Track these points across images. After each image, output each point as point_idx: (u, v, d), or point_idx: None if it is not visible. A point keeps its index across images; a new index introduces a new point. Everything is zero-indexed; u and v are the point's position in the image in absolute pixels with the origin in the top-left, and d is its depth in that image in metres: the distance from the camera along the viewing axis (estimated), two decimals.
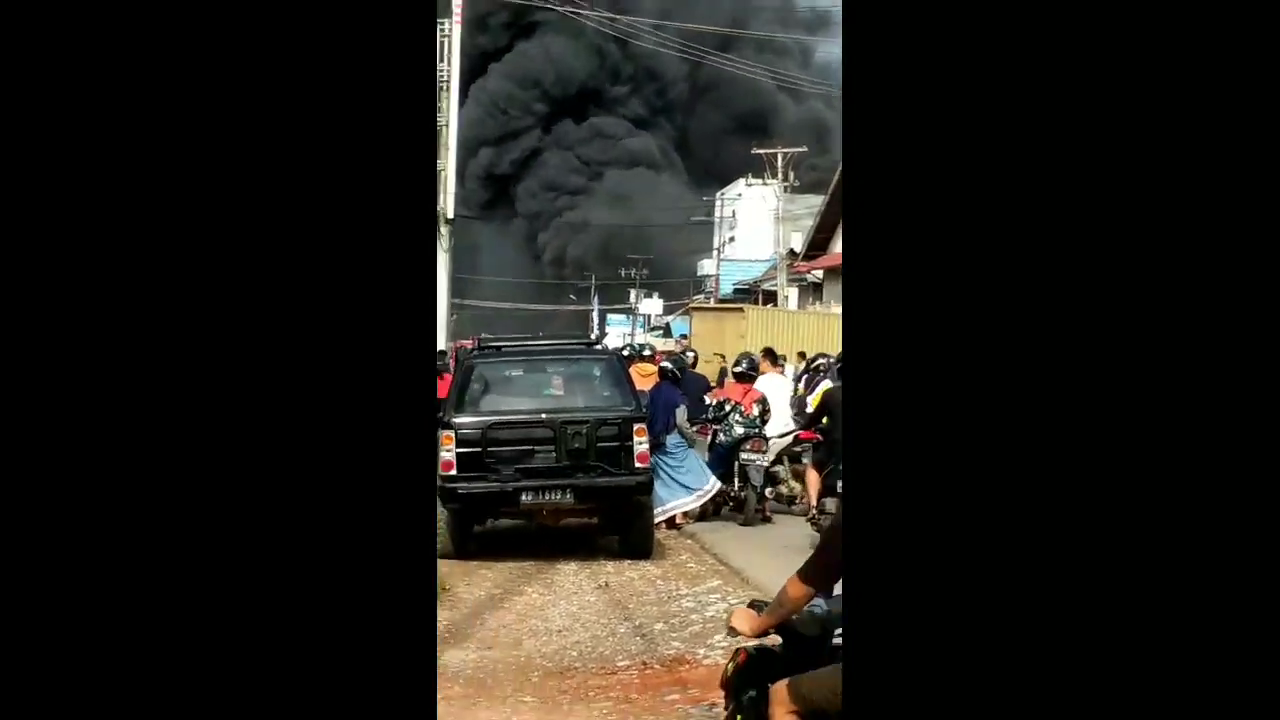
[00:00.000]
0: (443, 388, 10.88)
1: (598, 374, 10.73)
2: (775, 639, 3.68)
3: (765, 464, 11.39)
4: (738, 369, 12.24)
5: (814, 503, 9.83)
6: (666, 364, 12.77)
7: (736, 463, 11.33)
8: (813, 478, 10.01)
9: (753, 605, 3.75)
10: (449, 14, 24.74)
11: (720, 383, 16.38)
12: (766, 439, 11.51)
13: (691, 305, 35.70)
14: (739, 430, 11.34)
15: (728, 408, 11.51)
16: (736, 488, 11.37)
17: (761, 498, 11.36)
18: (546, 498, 9.78)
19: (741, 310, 29.21)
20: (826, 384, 11.84)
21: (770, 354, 13.68)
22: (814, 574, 3.41)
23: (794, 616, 3.54)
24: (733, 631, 3.68)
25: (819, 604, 3.54)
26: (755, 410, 11.48)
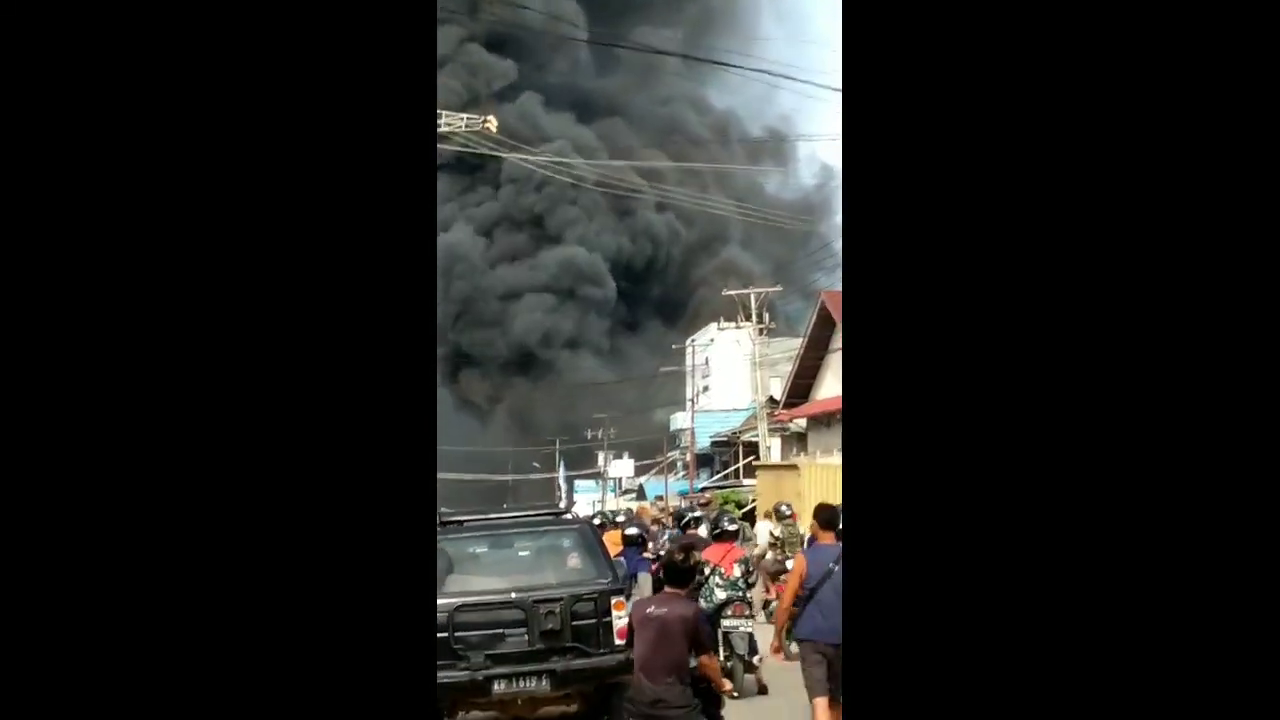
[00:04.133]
0: None
1: (569, 545, 10.63)
2: None
3: (750, 630, 11.32)
4: (717, 530, 12.28)
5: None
6: (633, 529, 12.82)
7: (719, 630, 11.17)
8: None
9: None
10: None
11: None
12: (750, 603, 11.44)
13: (756, 465, 36.77)
14: (720, 595, 11.24)
15: (707, 570, 11.26)
16: (722, 657, 11.24)
17: (751, 666, 11.25)
18: (521, 686, 9.63)
19: (796, 468, 29.76)
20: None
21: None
22: None
23: None
24: None
25: None
26: (737, 571, 11.39)
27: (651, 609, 6.44)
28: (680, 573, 6.59)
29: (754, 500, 33.74)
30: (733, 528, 12.28)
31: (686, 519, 15.71)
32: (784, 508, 17.34)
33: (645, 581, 11.18)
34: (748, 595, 11.47)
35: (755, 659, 11.35)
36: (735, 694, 10.80)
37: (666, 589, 6.66)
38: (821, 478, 26.94)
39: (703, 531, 13.67)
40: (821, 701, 8.34)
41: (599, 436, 57.51)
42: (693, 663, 6.53)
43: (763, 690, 11.31)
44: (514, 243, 63.99)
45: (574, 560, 10.47)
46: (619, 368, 59.88)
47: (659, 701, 6.28)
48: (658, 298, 66.33)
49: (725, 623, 11.18)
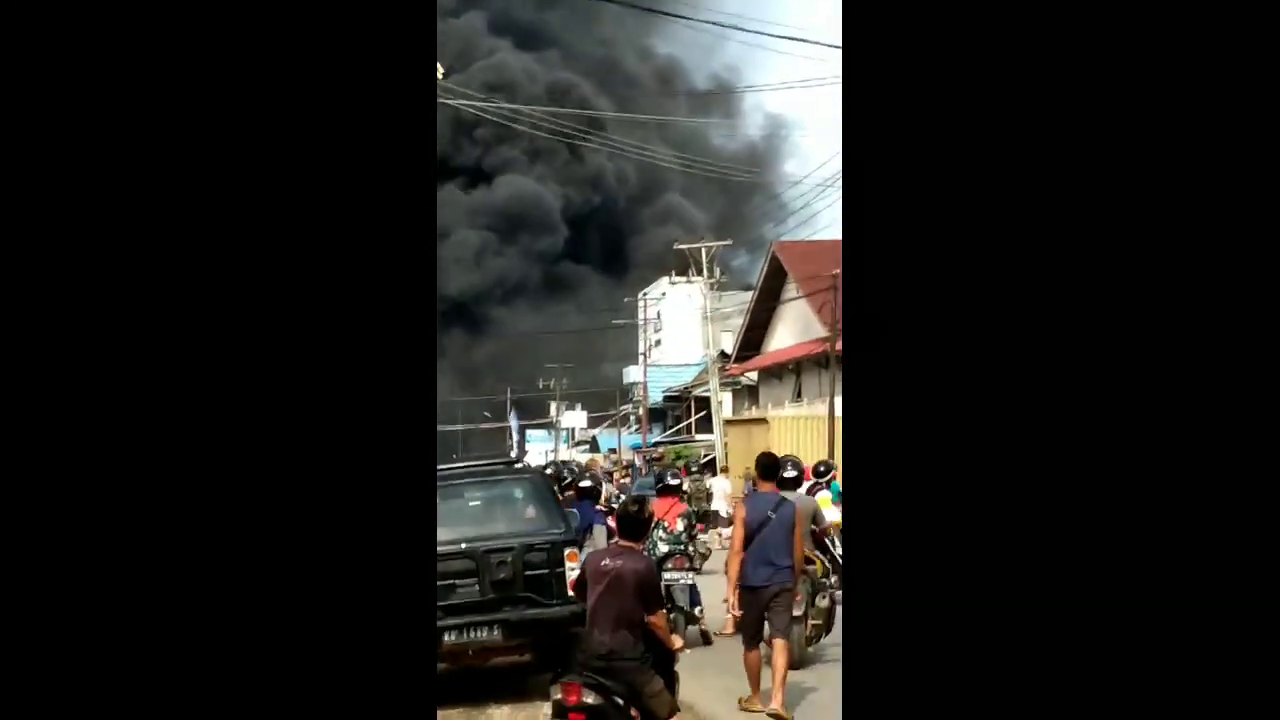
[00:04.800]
0: None
1: (520, 495, 10.59)
2: None
3: (690, 582, 11.42)
4: (660, 484, 12.39)
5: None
6: (587, 481, 12.92)
7: (661, 583, 11.26)
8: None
9: None
10: None
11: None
12: (691, 556, 11.56)
13: (727, 420, 36.71)
14: (663, 548, 11.36)
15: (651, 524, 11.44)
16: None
17: (693, 618, 11.37)
18: (472, 636, 9.65)
19: (765, 422, 30.01)
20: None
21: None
22: None
23: None
24: None
25: None
26: (680, 525, 11.55)
27: (606, 561, 6.50)
28: (634, 525, 6.62)
29: (706, 455, 34.00)
30: (674, 482, 12.52)
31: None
32: (693, 465, 17.71)
33: (600, 533, 11.21)
34: (689, 549, 11.61)
35: (697, 610, 11.48)
36: (686, 650, 10.83)
37: (620, 541, 6.68)
38: (790, 429, 27.32)
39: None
40: (752, 655, 8.57)
41: (551, 386, 57.39)
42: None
43: (707, 641, 11.42)
44: (453, 185, 63.63)
45: (526, 510, 10.44)
46: (559, 317, 59.60)
47: (611, 653, 6.34)
48: (598, 246, 66.12)
49: (667, 575, 11.28)
